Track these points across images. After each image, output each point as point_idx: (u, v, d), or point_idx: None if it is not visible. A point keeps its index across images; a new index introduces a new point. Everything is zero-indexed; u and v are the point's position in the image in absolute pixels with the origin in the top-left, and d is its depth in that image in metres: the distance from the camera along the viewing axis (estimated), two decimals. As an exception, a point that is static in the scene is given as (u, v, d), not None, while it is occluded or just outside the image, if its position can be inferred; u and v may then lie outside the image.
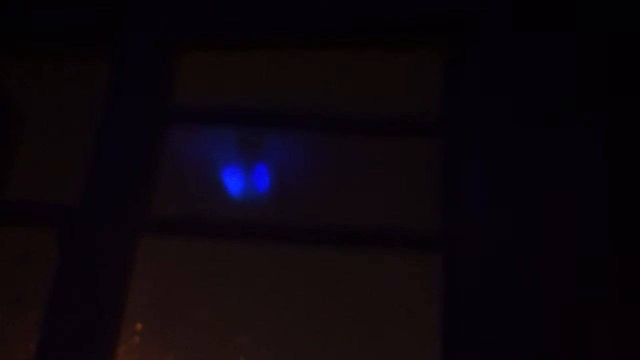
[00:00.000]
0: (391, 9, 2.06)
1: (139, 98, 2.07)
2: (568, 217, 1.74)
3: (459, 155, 1.89)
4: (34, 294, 1.96)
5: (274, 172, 2.10)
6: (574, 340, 1.64)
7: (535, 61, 1.92)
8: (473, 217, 1.81)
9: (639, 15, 1.91)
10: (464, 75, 1.98)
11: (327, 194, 2.02)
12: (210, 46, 2.22)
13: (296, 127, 2.11)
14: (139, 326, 1.90)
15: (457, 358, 1.69)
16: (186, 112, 2.14)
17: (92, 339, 1.79)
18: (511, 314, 1.68)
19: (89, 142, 2.04)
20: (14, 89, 2.38)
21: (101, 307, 1.83)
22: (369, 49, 2.12)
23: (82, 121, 2.17)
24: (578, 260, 1.69)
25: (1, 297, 2.01)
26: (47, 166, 2.22)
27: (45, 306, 1.85)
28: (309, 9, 2.11)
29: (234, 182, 2.09)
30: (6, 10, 2.21)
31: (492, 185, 1.82)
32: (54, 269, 1.90)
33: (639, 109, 1.83)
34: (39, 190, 2.15)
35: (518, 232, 1.74)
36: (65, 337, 1.80)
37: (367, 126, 2.07)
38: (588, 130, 1.82)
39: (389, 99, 2.06)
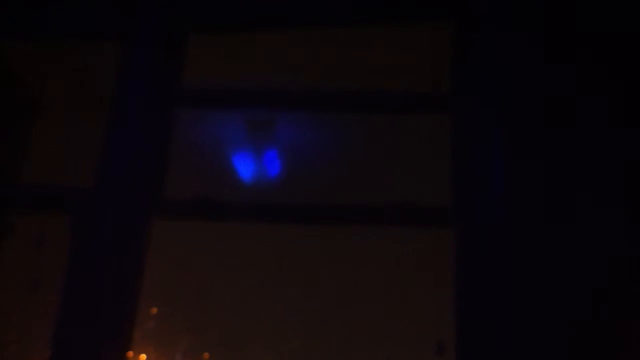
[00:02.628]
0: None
1: (149, 82, 2.07)
2: (581, 190, 1.73)
3: (470, 129, 1.88)
4: (49, 278, 1.98)
5: (285, 152, 2.09)
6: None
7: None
8: (484, 191, 1.80)
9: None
10: (472, 48, 1.96)
11: (338, 172, 2.02)
12: (219, 28, 2.21)
13: (306, 106, 2.10)
14: (154, 310, 1.92)
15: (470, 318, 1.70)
16: (196, 95, 2.13)
17: (108, 323, 1.80)
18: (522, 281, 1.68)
19: (102, 127, 2.05)
20: (30, 76, 2.38)
21: (116, 291, 1.84)
22: (377, 26, 2.10)
23: (95, 106, 2.17)
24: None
25: (18, 281, 2.03)
26: (61, 152, 2.23)
27: (61, 290, 1.86)
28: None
29: (244, 164, 2.09)
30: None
31: (502, 159, 1.81)
32: (68, 252, 1.90)
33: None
34: (54, 176, 2.16)
35: (528, 205, 1.74)
36: (81, 322, 1.80)
37: (377, 103, 2.05)
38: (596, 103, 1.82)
39: (399, 75, 2.05)
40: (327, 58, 2.13)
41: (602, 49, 1.86)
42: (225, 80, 2.11)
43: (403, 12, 2.11)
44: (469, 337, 1.69)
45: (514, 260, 1.70)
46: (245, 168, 2.09)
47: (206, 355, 1.84)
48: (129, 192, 1.95)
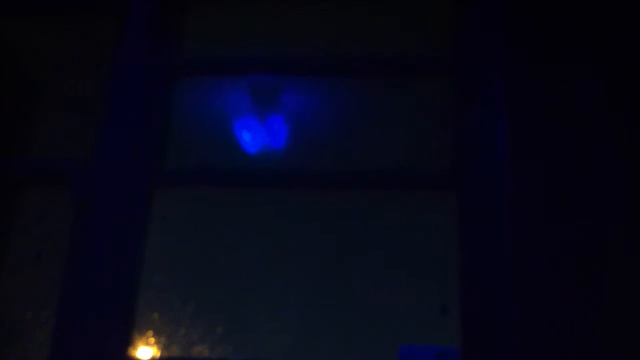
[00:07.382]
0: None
1: (148, 51, 2.06)
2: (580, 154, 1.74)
3: (470, 95, 1.89)
4: (52, 249, 1.98)
5: (286, 120, 2.09)
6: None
7: None
8: (484, 156, 1.81)
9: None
10: (473, 15, 1.96)
11: (340, 139, 2.02)
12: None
13: (307, 73, 2.10)
14: (157, 277, 1.92)
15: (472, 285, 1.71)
16: (195, 63, 2.13)
17: (111, 291, 1.80)
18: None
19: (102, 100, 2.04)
20: (31, 53, 2.38)
21: (119, 260, 1.84)
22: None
23: (95, 80, 2.16)
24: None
25: (22, 253, 2.04)
26: (63, 126, 2.23)
27: (65, 261, 1.86)
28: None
29: (245, 131, 2.09)
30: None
31: (502, 125, 1.82)
32: (71, 224, 1.91)
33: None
34: (56, 150, 2.16)
35: (528, 167, 1.75)
36: (85, 291, 1.81)
37: (379, 69, 2.05)
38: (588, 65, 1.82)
39: (400, 42, 2.04)
40: (328, 24, 2.12)
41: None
42: (225, 48, 2.10)
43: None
44: (472, 299, 1.70)
45: (515, 223, 1.71)
46: (246, 135, 2.09)
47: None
48: (129, 163, 1.95)
